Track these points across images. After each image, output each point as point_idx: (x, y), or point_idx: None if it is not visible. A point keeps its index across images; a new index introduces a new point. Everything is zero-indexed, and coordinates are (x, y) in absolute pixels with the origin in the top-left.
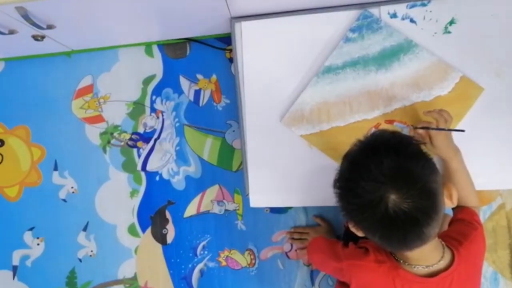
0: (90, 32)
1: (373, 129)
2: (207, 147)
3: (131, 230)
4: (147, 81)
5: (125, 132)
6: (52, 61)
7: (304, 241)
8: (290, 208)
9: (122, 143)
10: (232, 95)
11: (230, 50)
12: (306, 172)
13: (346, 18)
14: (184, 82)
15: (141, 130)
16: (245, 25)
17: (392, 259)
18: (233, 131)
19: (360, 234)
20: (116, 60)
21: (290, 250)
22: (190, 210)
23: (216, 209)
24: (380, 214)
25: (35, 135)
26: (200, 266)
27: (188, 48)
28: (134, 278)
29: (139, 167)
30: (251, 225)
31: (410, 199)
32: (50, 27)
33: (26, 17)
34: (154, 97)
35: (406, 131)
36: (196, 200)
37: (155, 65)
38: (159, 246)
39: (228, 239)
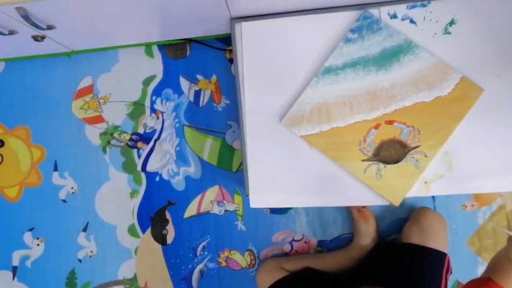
0: (90, 33)
1: (373, 130)
2: (207, 147)
3: (131, 231)
4: (147, 81)
5: (125, 132)
6: (52, 61)
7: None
8: (290, 208)
9: (122, 144)
10: (232, 95)
11: (230, 51)
12: (306, 172)
13: (346, 18)
14: (184, 83)
15: (141, 130)
16: (245, 25)
17: None
18: (233, 131)
19: None
20: (116, 61)
21: (290, 251)
22: (190, 210)
23: (216, 210)
24: None
25: (35, 136)
26: (200, 266)
27: (188, 48)
28: (134, 278)
29: (139, 168)
30: (251, 225)
31: None
32: (50, 27)
33: (26, 17)
34: (154, 98)
35: (406, 131)
36: (196, 201)
37: (155, 66)
38: (159, 247)
39: (228, 240)
